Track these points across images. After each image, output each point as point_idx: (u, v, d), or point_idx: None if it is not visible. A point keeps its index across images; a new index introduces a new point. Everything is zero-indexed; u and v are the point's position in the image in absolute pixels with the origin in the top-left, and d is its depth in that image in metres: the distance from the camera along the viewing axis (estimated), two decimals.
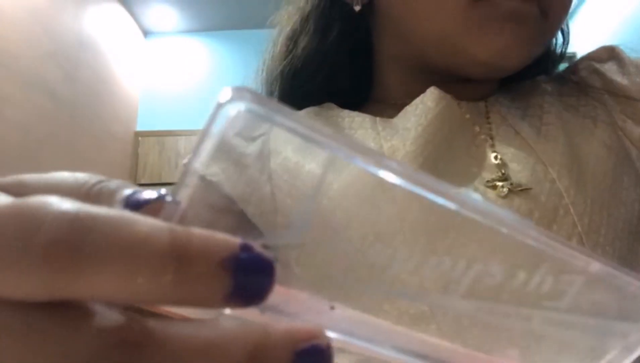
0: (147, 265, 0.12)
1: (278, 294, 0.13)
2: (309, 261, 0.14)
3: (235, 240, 0.13)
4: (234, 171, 0.43)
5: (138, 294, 0.12)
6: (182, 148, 3.36)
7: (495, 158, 0.40)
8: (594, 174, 0.39)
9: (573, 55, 0.60)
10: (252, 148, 0.45)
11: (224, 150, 0.44)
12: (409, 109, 0.44)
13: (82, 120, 2.85)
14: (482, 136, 0.43)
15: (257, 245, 0.13)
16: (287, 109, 0.13)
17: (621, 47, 0.48)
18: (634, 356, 0.15)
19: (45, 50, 2.56)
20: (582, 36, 2.53)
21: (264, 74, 0.55)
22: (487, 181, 0.38)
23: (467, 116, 0.44)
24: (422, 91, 0.44)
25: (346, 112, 0.48)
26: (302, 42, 0.52)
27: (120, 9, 3.31)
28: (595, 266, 0.14)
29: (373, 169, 0.12)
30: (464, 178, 0.40)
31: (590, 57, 0.49)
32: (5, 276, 0.11)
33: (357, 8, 0.49)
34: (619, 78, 0.45)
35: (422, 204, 0.12)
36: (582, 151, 0.40)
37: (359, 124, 0.46)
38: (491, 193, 0.38)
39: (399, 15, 0.46)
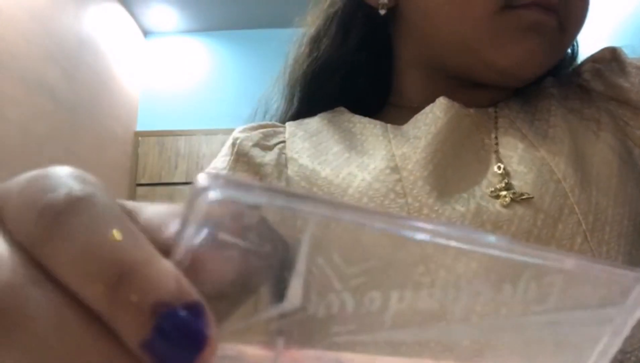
0: (91, 265, 0.12)
1: (286, 356, 0.13)
2: (310, 320, 0.13)
3: (190, 296, 0.12)
4: None
5: (79, 288, 0.12)
6: (182, 148, 3.36)
7: (499, 167, 0.41)
8: (599, 174, 0.40)
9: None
10: (269, 157, 0.46)
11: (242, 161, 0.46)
12: (419, 117, 0.45)
13: (82, 120, 2.86)
14: (490, 142, 0.44)
15: (207, 314, 0.12)
16: (262, 186, 0.12)
17: (622, 48, 0.49)
18: (623, 337, 0.16)
19: (45, 50, 2.56)
20: (583, 35, 2.53)
21: (286, 76, 0.55)
22: (492, 191, 0.39)
23: (476, 122, 0.45)
24: (440, 95, 0.45)
25: (357, 118, 0.49)
26: (324, 45, 0.53)
27: (120, 9, 3.32)
28: (570, 262, 0.14)
29: (359, 224, 0.12)
30: (471, 184, 0.41)
31: (593, 59, 0.50)
32: (19, 213, 0.14)
33: (383, 12, 0.50)
34: (621, 80, 0.46)
35: (394, 240, 0.12)
36: (587, 152, 0.42)
37: (370, 131, 0.46)
38: (495, 203, 0.39)
39: (423, 19, 0.47)
